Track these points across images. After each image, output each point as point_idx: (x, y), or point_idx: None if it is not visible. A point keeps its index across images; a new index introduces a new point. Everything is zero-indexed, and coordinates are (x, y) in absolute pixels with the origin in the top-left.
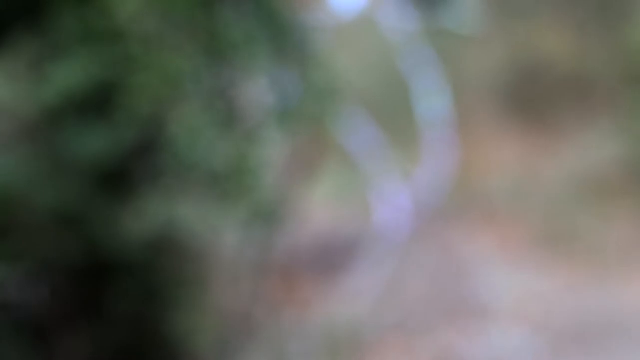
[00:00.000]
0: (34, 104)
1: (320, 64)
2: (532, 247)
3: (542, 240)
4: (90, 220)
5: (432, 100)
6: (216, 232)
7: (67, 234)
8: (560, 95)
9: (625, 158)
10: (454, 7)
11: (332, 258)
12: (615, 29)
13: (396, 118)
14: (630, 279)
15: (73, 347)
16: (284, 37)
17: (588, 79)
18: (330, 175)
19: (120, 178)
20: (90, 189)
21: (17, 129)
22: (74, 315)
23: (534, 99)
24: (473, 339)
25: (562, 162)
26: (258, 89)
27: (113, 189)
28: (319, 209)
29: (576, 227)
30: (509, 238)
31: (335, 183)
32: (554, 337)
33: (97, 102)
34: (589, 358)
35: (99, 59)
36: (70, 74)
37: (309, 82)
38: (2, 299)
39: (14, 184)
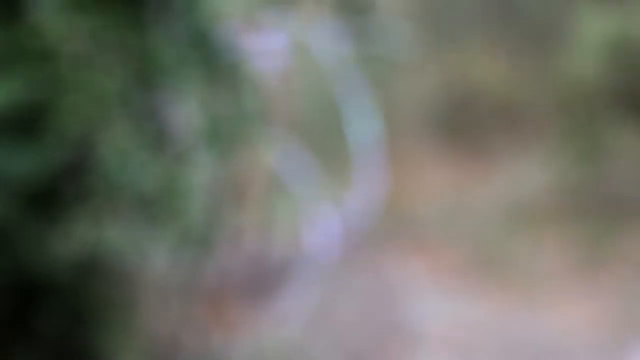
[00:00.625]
0: None
1: (251, 88)
2: (462, 273)
3: (472, 267)
4: (16, 240)
5: (364, 126)
6: (145, 255)
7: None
8: (492, 122)
9: (555, 186)
10: (386, 33)
11: (262, 282)
12: (548, 57)
13: (327, 143)
14: (559, 306)
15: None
16: (215, 60)
17: (520, 107)
18: (261, 199)
19: (48, 199)
20: (17, 209)
21: None
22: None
23: (465, 125)
24: None
25: (493, 188)
26: (188, 111)
27: (40, 209)
28: (248, 233)
29: (506, 253)
30: (439, 264)
31: (266, 207)
32: None
33: (24, 123)
34: None
35: (26, 80)
36: None
37: (239, 106)
38: None
39: None
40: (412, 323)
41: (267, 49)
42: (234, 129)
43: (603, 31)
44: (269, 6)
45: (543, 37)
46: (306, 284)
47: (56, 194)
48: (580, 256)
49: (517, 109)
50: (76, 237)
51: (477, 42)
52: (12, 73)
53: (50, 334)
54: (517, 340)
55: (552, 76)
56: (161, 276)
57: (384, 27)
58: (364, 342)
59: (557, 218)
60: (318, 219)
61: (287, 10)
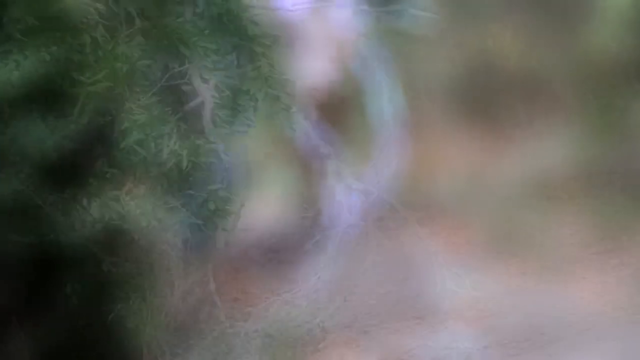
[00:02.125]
0: None
1: (273, 61)
2: (480, 246)
3: (490, 241)
4: (41, 215)
5: (385, 100)
6: (167, 226)
7: (15, 228)
8: (511, 97)
9: (574, 161)
10: (407, 7)
11: (282, 255)
12: (568, 31)
13: (349, 117)
14: (577, 279)
15: (20, 342)
16: (237, 33)
17: (541, 81)
18: (284, 172)
19: (70, 173)
20: (39, 183)
21: None
22: (21, 310)
23: (486, 100)
24: (422, 340)
25: (512, 163)
26: (210, 84)
27: (62, 182)
28: (271, 206)
29: (525, 228)
30: (458, 238)
31: (288, 180)
32: (503, 338)
33: (49, 96)
34: (537, 358)
35: (49, 52)
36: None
37: (261, 79)
38: None
39: None
40: (431, 297)
41: (290, 22)
42: (255, 101)
43: (626, 2)
44: None
45: (564, 11)
46: (326, 258)
47: (78, 167)
48: (598, 231)
49: (537, 85)
50: (98, 210)
51: (497, 17)
52: (34, 46)
53: (72, 306)
54: (536, 312)
55: (572, 51)
56: (182, 247)
57: (406, 1)
58: (382, 317)
59: (575, 193)
60: (340, 191)
61: None
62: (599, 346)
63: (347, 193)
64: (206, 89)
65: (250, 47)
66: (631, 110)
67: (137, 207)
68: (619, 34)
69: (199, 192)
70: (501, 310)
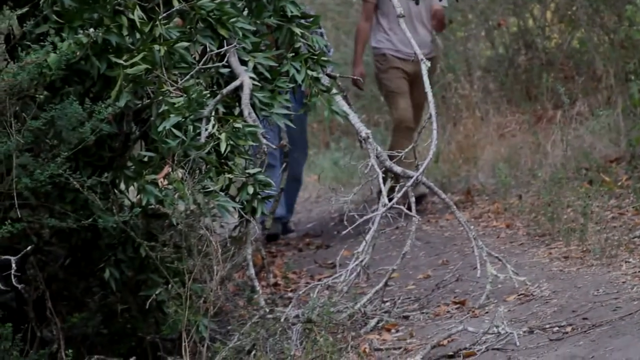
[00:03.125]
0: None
1: (312, 42)
2: (522, 231)
3: (532, 225)
4: (77, 198)
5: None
6: (205, 211)
7: (52, 212)
8: (553, 78)
9: (616, 142)
10: None
11: (322, 240)
12: (609, 10)
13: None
14: (619, 262)
15: (69, 311)
16: (276, 14)
17: (581, 62)
18: (323, 155)
19: (107, 156)
20: (77, 167)
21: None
22: (58, 296)
23: (526, 80)
24: (462, 325)
25: (553, 145)
26: (248, 66)
27: (100, 166)
28: (309, 189)
29: (566, 211)
30: (499, 222)
31: (328, 164)
32: (544, 323)
33: (84, 79)
34: (580, 343)
35: (86, 34)
36: (57, 52)
37: (300, 61)
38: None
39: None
40: (470, 281)
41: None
42: (294, 83)
43: None
44: None
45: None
46: (367, 241)
47: (117, 151)
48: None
49: (580, 65)
50: (136, 194)
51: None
52: (76, 25)
53: (112, 290)
54: (578, 297)
55: (615, 30)
56: (222, 229)
57: None
58: (422, 298)
59: (618, 176)
60: (379, 175)
61: None
62: None
63: (386, 177)
64: (244, 71)
65: (289, 28)
66: None
67: (175, 192)
68: None
69: (238, 176)
70: (543, 294)
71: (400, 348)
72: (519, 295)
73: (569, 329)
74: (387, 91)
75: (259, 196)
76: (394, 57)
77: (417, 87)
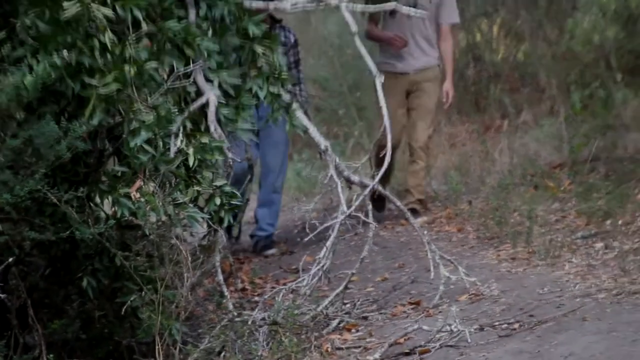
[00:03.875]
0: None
1: (273, 60)
2: (472, 235)
3: (481, 229)
4: (55, 211)
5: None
6: (175, 222)
7: (32, 225)
8: (499, 89)
9: (559, 150)
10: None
11: (285, 247)
12: (552, 25)
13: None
14: (563, 263)
15: (50, 318)
16: (238, 34)
17: (526, 74)
18: (295, 164)
19: (82, 171)
20: (54, 182)
21: None
22: (38, 304)
23: (475, 92)
24: (417, 324)
25: (500, 153)
26: (213, 84)
27: (76, 181)
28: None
29: (513, 215)
30: (450, 227)
31: (295, 171)
32: (494, 320)
33: (58, 98)
34: (527, 339)
35: (60, 57)
36: (33, 74)
37: (262, 78)
38: None
39: None
40: (424, 282)
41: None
42: (257, 100)
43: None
44: None
45: (549, 4)
46: (327, 247)
47: (91, 167)
48: (583, 217)
49: (525, 77)
50: (111, 207)
51: (485, 13)
52: (51, 48)
53: (88, 298)
54: (525, 295)
55: (557, 43)
56: (191, 239)
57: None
58: (380, 300)
59: (561, 181)
60: (338, 185)
61: None
62: (585, 326)
63: (345, 186)
64: (210, 88)
65: (251, 47)
66: (613, 100)
67: (147, 204)
68: (601, 26)
69: (206, 188)
70: (492, 294)
71: (360, 347)
72: (470, 295)
73: (516, 325)
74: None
75: (226, 207)
76: (389, 73)
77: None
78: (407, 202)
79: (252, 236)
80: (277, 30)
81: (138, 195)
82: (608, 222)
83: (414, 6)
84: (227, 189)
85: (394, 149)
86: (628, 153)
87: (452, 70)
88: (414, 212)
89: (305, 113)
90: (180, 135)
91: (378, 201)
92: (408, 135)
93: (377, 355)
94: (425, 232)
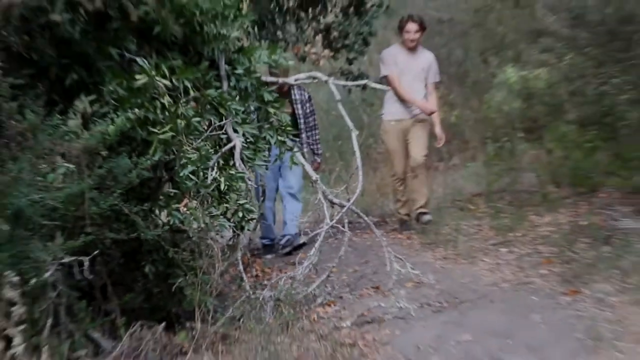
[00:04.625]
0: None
1: (281, 118)
2: (417, 241)
3: (423, 237)
4: (127, 219)
5: (354, 143)
6: (210, 228)
7: (111, 229)
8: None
9: (478, 184)
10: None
11: (286, 248)
12: (475, 98)
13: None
14: (478, 262)
15: (114, 304)
16: (257, 99)
17: (457, 131)
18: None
19: (147, 192)
20: (127, 199)
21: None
22: (116, 283)
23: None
24: (377, 302)
25: (438, 185)
26: (239, 133)
27: (142, 199)
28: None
29: (445, 228)
30: (402, 236)
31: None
32: (430, 300)
33: (131, 141)
34: (452, 313)
35: (133, 113)
36: (111, 125)
37: (273, 130)
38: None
39: (80, 193)
40: (383, 273)
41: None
42: (269, 145)
43: (513, 81)
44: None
45: (474, 83)
46: (316, 248)
47: (153, 189)
48: (494, 230)
49: (456, 133)
50: (166, 217)
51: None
52: (127, 107)
53: (150, 280)
54: (452, 284)
55: (479, 110)
56: (219, 241)
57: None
58: (351, 285)
59: (479, 205)
60: (324, 205)
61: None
62: (492, 306)
63: (329, 206)
64: (236, 136)
65: (266, 108)
66: (516, 150)
67: (191, 215)
68: (508, 100)
69: (232, 205)
70: (429, 282)
71: (337, 317)
72: (414, 283)
73: (446, 304)
74: (386, 149)
75: (245, 218)
76: (391, 122)
77: (412, 132)
78: (416, 208)
79: (282, 237)
80: (295, 89)
81: (185, 209)
82: (511, 234)
83: (411, 71)
84: (247, 206)
85: (402, 179)
86: (525, 187)
87: (438, 117)
88: (423, 214)
89: (302, 154)
90: (215, 168)
91: (402, 223)
92: (409, 162)
93: (348, 323)
94: (384, 239)
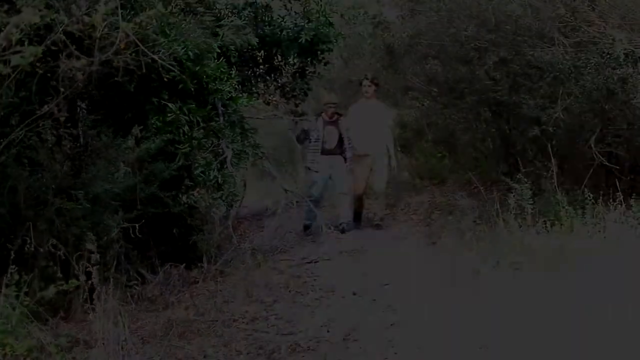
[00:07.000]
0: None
1: (256, 140)
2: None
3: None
4: (162, 200)
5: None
6: (212, 206)
7: (153, 206)
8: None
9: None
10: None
11: (258, 217)
12: None
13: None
14: (403, 225)
15: (154, 252)
16: (240, 128)
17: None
18: (259, 185)
19: (174, 184)
20: (162, 188)
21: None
22: (155, 238)
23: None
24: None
25: None
26: (230, 149)
27: (171, 188)
28: (254, 198)
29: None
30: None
31: (262, 185)
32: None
33: (165, 154)
34: (369, 258)
35: (167, 137)
36: (152, 144)
37: (251, 147)
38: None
39: (133, 185)
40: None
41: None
42: (247, 155)
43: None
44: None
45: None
46: (275, 218)
47: (178, 182)
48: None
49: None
50: (185, 199)
51: None
52: (161, 134)
53: (177, 235)
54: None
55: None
56: (218, 213)
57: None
58: (299, 242)
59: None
60: (282, 196)
61: None
62: (383, 250)
63: (286, 197)
64: (229, 150)
65: (246, 134)
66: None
67: (201, 198)
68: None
69: (225, 192)
70: (346, 238)
71: (289, 259)
72: (336, 239)
73: (354, 252)
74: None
75: (233, 200)
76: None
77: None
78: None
79: (340, 224)
80: (340, 120)
81: (197, 194)
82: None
83: (368, 118)
84: (234, 192)
85: (360, 196)
86: (402, 180)
87: (393, 150)
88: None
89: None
90: (215, 169)
91: (356, 218)
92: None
93: (295, 263)
94: (324, 221)
